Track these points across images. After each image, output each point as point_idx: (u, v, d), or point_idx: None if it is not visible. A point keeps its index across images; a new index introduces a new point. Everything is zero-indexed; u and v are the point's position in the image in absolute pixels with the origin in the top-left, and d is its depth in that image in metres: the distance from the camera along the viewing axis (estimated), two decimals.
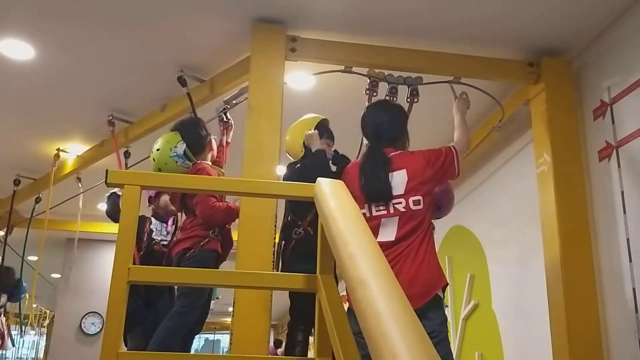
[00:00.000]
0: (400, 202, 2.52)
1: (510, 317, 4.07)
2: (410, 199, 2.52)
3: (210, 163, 3.23)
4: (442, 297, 2.52)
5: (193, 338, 3.25)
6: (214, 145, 3.32)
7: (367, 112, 2.86)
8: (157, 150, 3.20)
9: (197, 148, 3.21)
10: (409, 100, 3.19)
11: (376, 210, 2.55)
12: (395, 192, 2.54)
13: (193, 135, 3.21)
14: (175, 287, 3.47)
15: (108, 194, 3.94)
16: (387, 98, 3.16)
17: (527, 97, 3.56)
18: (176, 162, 3.21)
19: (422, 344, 1.10)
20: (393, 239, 2.48)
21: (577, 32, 3.27)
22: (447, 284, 2.57)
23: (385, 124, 2.73)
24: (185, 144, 3.19)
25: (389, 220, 2.52)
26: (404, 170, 2.57)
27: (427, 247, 2.50)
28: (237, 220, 2.95)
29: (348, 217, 1.73)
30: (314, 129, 2.97)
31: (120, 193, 3.92)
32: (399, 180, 2.56)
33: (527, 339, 3.78)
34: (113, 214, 3.84)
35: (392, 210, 2.53)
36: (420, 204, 2.52)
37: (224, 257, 3.09)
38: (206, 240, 2.97)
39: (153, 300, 3.43)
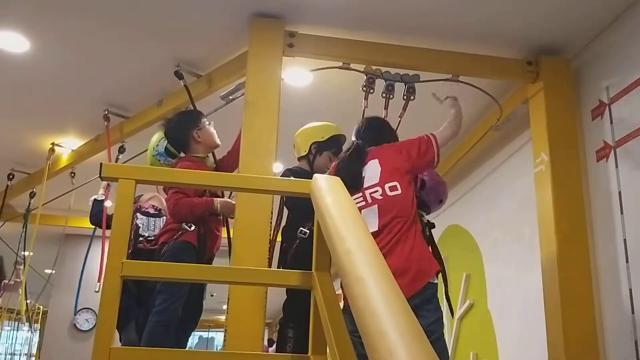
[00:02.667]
0: (377, 190, 2.57)
1: (506, 317, 4.06)
2: (386, 186, 2.56)
3: (202, 155, 3.10)
4: (437, 284, 2.50)
5: (188, 336, 3.21)
6: (207, 135, 3.12)
7: (365, 125, 2.89)
8: (147, 151, 3.28)
9: (179, 143, 3.14)
10: (405, 97, 3.18)
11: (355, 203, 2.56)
12: (369, 182, 2.59)
13: (175, 130, 3.15)
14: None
15: (91, 200, 3.96)
16: (384, 95, 3.16)
17: (526, 96, 3.55)
18: (159, 160, 3.25)
19: (419, 342, 1.08)
20: (377, 228, 2.49)
21: (576, 32, 3.26)
22: (439, 270, 2.55)
23: (379, 141, 2.79)
24: (166, 141, 3.18)
25: (369, 211, 2.54)
26: (376, 160, 2.64)
27: (415, 235, 2.50)
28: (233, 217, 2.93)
29: (345, 213, 1.71)
30: (327, 139, 3.06)
31: (100, 199, 3.94)
32: (372, 169, 2.62)
33: (522, 339, 3.77)
34: (96, 221, 3.88)
35: (369, 200, 2.56)
36: (397, 190, 2.55)
37: (206, 250, 2.98)
38: (179, 233, 2.93)
39: (144, 297, 3.40)
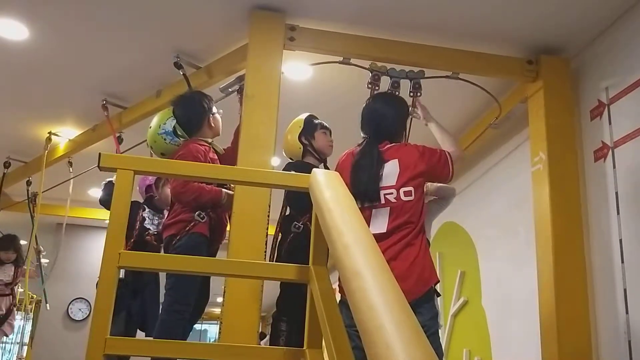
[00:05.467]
0: (392, 193, 2.51)
1: (500, 315, 4.07)
2: (402, 190, 2.51)
3: (209, 140, 3.03)
4: (434, 291, 2.52)
5: (193, 324, 3.13)
6: (217, 121, 3.10)
7: (370, 104, 2.81)
8: (150, 127, 3.13)
9: (191, 124, 3.02)
10: (412, 94, 3.16)
11: (365, 202, 2.53)
12: (386, 183, 2.52)
13: (187, 110, 3.04)
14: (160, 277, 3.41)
15: (105, 182, 3.87)
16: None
17: (525, 94, 3.55)
18: (164, 139, 3.10)
19: (415, 336, 1.09)
20: (384, 230, 2.46)
21: (577, 31, 3.26)
22: (438, 281, 2.56)
23: (388, 120, 2.69)
24: (175, 120, 3.05)
25: (380, 212, 2.50)
26: (396, 160, 2.56)
27: (421, 243, 2.48)
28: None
29: (343, 208, 1.71)
30: (303, 126, 3.04)
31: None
32: (390, 169, 2.54)
33: (515, 336, 3.79)
34: (106, 202, 3.80)
35: (382, 201, 2.51)
36: (411, 195, 2.50)
37: (215, 241, 2.92)
38: (192, 224, 2.80)
39: (139, 289, 3.38)
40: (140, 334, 3.46)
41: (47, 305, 5.46)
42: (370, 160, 2.57)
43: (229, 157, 3.07)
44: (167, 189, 3.50)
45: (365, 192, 2.52)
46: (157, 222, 3.47)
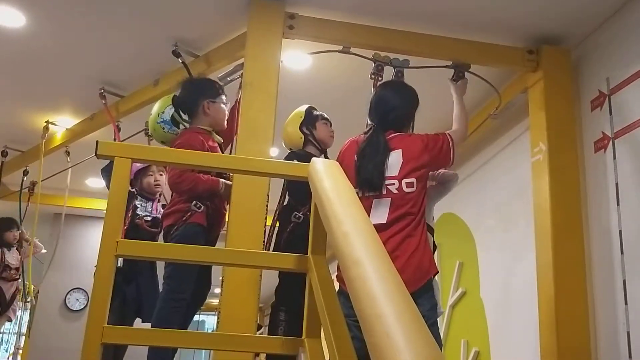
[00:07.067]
0: (393, 184, 2.49)
1: (498, 306, 4.07)
2: (404, 181, 2.49)
3: (208, 129, 2.97)
4: (432, 282, 2.51)
5: (193, 315, 3.12)
6: (217, 111, 3.00)
7: (380, 92, 2.78)
8: (150, 115, 3.12)
9: (184, 108, 2.98)
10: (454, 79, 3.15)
11: (368, 190, 2.52)
12: (389, 173, 2.51)
13: (184, 97, 2.99)
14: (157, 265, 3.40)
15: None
16: None
17: (526, 85, 3.53)
18: (162, 128, 3.08)
19: (416, 325, 1.08)
20: (385, 221, 2.45)
21: (578, 21, 3.24)
22: (437, 272, 2.55)
23: (396, 109, 2.66)
24: (173, 109, 3.01)
25: (381, 202, 2.49)
26: (400, 151, 2.54)
27: (421, 234, 2.47)
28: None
29: (343, 197, 1.71)
30: (304, 116, 3.06)
31: None
32: (394, 160, 2.52)
33: (514, 328, 3.79)
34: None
35: (384, 191, 2.50)
36: (413, 187, 2.49)
37: (213, 230, 2.90)
38: (188, 214, 2.79)
39: (134, 276, 3.36)
40: (137, 322, 3.46)
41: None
42: (376, 149, 2.55)
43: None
44: (148, 179, 3.50)
45: (369, 180, 2.50)
46: (150, 208, 3.46)
